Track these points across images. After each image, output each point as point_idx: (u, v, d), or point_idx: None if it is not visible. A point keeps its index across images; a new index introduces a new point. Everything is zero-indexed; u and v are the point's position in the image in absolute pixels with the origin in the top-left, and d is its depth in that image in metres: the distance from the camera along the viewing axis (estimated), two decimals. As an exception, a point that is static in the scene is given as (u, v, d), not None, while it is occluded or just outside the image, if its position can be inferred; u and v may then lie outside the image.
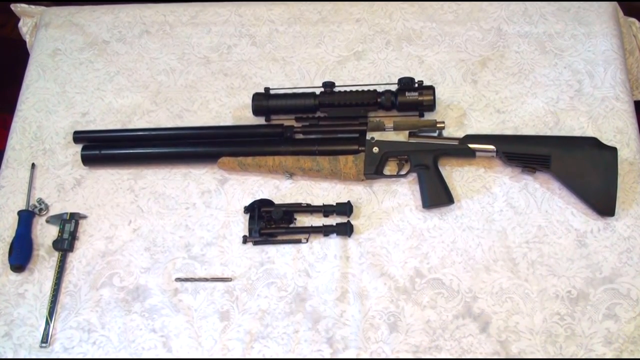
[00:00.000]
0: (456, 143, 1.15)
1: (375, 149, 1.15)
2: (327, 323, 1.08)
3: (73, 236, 1.16)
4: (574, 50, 1.28)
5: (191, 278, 1.13)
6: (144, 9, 1.40)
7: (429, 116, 1.20)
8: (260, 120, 1.23)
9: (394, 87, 1.18)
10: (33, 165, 1.24)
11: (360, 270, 1.11)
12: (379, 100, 1.17)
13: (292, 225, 1.14)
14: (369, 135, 1.16)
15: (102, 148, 1.21)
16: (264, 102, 1.19)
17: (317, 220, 1.15)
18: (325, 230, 1.12)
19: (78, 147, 1.23)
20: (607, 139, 1.18)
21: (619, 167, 1.11)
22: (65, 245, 1.15)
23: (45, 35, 1.39)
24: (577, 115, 1.21)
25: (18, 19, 1.48)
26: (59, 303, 1.12)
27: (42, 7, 1.44)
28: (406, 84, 1.17)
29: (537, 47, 1.28)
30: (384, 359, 1.05)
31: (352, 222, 1.13)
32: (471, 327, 1.06)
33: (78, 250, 1.17)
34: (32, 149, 1.27)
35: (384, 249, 1.13)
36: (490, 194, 1.16)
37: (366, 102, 1.17)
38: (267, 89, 1.21)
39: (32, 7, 1.44)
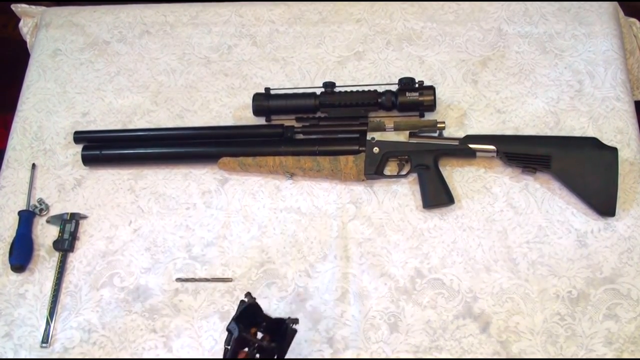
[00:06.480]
0: (456, 143, 1.15)
1: (376, 149, 1.15)
2: (328, 323, 1.08)
3: (73, 236, 1.16)
4: (575, 51, 1.28)
5: (192, 278, 1.13)
6: (145, 9, 1.40)
7: (429, 116, 1.20)
8: (261, 121, 1.23)
9: (394, 88, 1.18)
10: (33, 165, 1.25)
11: (360, 270, 1.11)
12: (379, 100, 1.17)
13: None
14: (369, 136, 1.16)
15: (103, 148, 1.21)
16: (264, 102, 1.19)
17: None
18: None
19: (78, 148, 1.23)
20: (607, 139, 1.18)
21: (619, 167, 1.11)
22: (65, 245, 1.15)
23: (46, 36, 1.39)
24: (578, 116, 1.21)
25: (18, 19, 1.48)
26: (60, 303, 1.12)
27: (43, 8, 1.44)
28: (407, 84, 1.17)
29: (537, 47, 1.28)
30: (384, 359, 1.05)
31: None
32: (472, 327, 1.06)
33: (78, 250, 1.17)
34: (33, 149, 1.27)
35: (384, 249, 1.13)
36: (490, 194, 1.16)
37: (367, 102, 1.17)
38: (267, 89, 1.21)
39: (33, 7, 1.44)
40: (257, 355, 0.88)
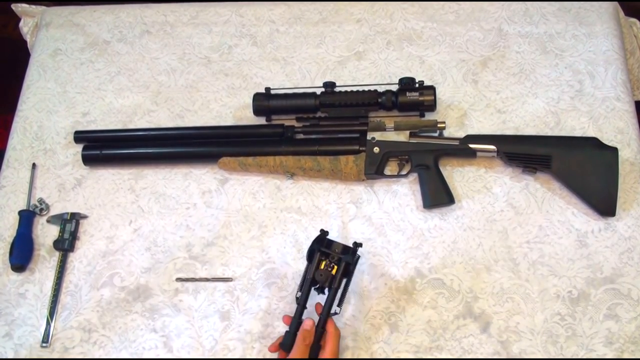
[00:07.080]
0: (457, 143, 1.15)
1: (376, 149, 1.15)
2: (328, 323, 1.08)
3: (74, 236, 1.16)
4: (575, 51, 1.28)
5: (192, 278, 1.13)
6: (145, 9, 1.40)
7: (429, 116, 1.20)
8: (261, 120, 1.23)
9: (394, 87, 1.18)
10: (34, 165, 1.25)
11: (360, 270, 1.11)
12: (379, 100, 1.17)
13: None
14: (369, 136, 1.16)
15: (103, 148, 1.21)
16: (264, 102, 1.19)
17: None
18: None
19: (79, 147, 1.23)
20: (608, 139, 1.18)
21: (619, 167, 1.11)
22: (66, 245, 1.15)
23: (46, 35, 1.39)
24: (578, 116, 1.21)
25: (19, 19, 1.48)
26: (60, 303, 1.12)
27: (43, 7, 1.44)
28: (407, 84, 1.17)
29: (538, 47, 1.28)
30: (384, 359, 1.05)
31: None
32: (472, 327, 1.06)
33: (79, 250, 1.17)
34: (33, 149, 1.27)
35: (384, 249, 1.13)
36: (491, 194, 1.16)
37: (367, 102, 1.17)
38: (267, 89, 1.21)
39: (33, 7, 1.44)
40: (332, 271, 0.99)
